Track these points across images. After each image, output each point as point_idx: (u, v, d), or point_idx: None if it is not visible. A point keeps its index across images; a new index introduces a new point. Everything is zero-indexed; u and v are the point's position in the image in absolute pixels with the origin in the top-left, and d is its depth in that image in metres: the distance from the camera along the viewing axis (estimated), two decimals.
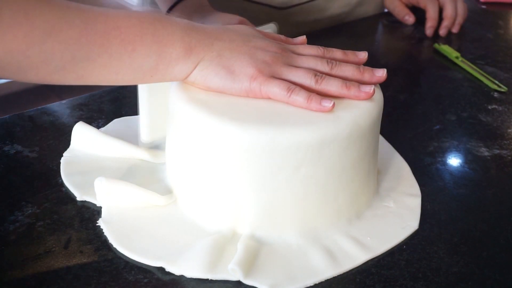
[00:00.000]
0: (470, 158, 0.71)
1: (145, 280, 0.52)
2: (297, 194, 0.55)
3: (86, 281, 0.51)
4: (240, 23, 0.78)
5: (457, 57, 0.96)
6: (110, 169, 0.64)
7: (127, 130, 0.69)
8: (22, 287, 0.51)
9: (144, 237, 0.55)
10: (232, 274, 0.51)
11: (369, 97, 0.57)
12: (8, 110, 1.89)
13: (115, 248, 0.55)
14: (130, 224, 0.57)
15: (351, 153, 0.55)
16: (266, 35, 0.62)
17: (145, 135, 0.65)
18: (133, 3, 1.15)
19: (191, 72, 0.56)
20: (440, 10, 1.08)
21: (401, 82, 0.92)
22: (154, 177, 0.63)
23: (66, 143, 0.68)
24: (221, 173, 0.55)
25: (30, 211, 0.59)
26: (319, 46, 0.61)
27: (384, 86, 0.60)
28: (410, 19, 1.11)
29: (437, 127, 0.78)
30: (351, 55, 0.61)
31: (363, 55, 0.62)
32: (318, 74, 0.57)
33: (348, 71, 0.59)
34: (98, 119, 0.74)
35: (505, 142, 0.74)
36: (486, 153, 0.72)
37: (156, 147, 0.66)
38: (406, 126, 0.78)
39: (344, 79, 0.57)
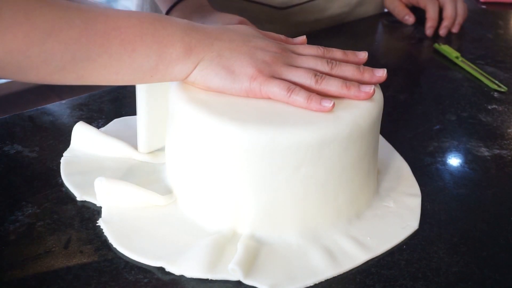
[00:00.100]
0: (470, 158, 0.71)
1: (145, 280, 0.52)
2: (297, 194, 0.55)
3: (86, 281, 0.51)
4: (240, 23, 0.78)
5: (457, 57, 0.96)
6: (110, 169, 0.64)
7: (127, 130, 0.69)
8: (22, 287, 0.51)
9: (144, 237, 0.55)
10: (232, 274, 0.51)
11: (369, 97, 0.57)
12: (8, 110, 1.89)
13: (115, 248, 0.55)
14: (130, 224, 0.57)
15: (351, 153, 0.55)
16: (266, 35, 0.62)
17: (142, 146, 0.64)
18: (133, 3, 1.14)
19: (191, 72, 0.56)
20: (440, 10, 1.08)
21: (401, 82, 0.92)
22: (154, 177, 0.63)
23: (66, 143, 0.68)
24: (221, 173, 0.55)
25: (30, 211, 0.59)
26: (319, 46, 0.61)
27: (384, 86, 0.60)
28: (410, 19, 1.11)
29: (437, 127, 0.78)
30: (351, 55, 0.61)
31: (363, 55, 0.62)
32: (318, 74, 0.57)
33: (348, 71, 0.59)
34: (98, 119, 0.74)
35: (505, 142, 0.74)
36: (486, 153, 0.72)
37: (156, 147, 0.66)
38: (406, 126, 0.78)
39: (344, 79, 0.57)
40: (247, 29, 0.61)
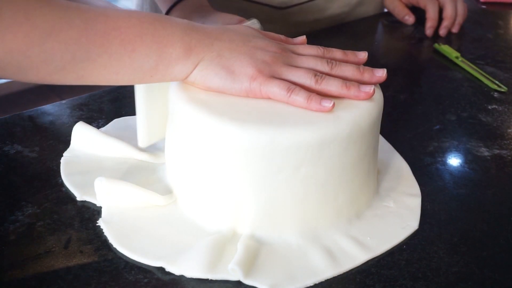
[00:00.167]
0: (470, 158, 0.71)
1: (145, 280, 0.52)
2: (297, 194, 0.55)
3: (86, 281, 0.51)
4: (240, 23, 0.78)
5: (457, 57, 0.96)
6: (110, 169, 0.64)
7: (127, 130, 0.69)
8: (22, 287, 0.51)
9: (144, 237, 0.55)
10: (232, 274, 0.51)
11: (369, 97, 0.57)
12: (8, 110, 1.89)
13: (115, 248, 0.55)
14: (130, 224, 0.57)
15: (351, 153, 0.55)
16: (266, 35, 0.62)
17: (142, 140, 0.64)
18: (133, 3, 1.14)
19: (191, 72, 0.56)
20: (440, 10, 1.08)
21: (401, 82, 0.92)
22: (154, 177, 0.63)
23: (66, 143, 0.68)
24: (221, 173, 0.55)
25: (30, 211, 0.59)
26: (319, 46, 0.61)
27: (384, 86, 0.60)
28: (410, 19, 1.11)
29: (437, 127, 0.78)
30: (351, 55, 0.61)
31: (363, 55, 0.62)
32: (318, 74, 0.57)
33: (348, 71, 0.59)
34: (98, 119, 0.74)
35: (505, 142, 0.74)
36: (486, 153, 0.72)
37: (156, 147, 0.66)
38: (406, 126, 0.78)
39: (344, 79, 0.57)
40: (247, 29, 0.61)
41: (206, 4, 0.86)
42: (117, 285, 0.51)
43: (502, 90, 0.87)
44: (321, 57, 0.60)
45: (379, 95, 0.59)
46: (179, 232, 0.56)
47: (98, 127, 0.71)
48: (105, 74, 0.53)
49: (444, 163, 0.70)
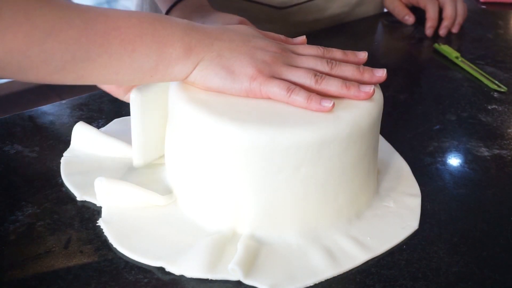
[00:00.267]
0: (470, 158, 0.71)
1: (145, 280, 0.52)
2: (297, 194, 0.55)
3: (86, 281, 0.51)
4: (240, 23, 0.78)
5: (457, 57, 0.96)
6: (110, 169, 0.64)
7: (127, 130, 0.69)
8: (22, 287, 0.51)
9: (144, 237, 0.55)
10: (232, 274, 0.51)
11: (369, 97, 0.57)
12: (8, 110, 1.89)
13: (115, 248, 0.55)
14: (130, 224, 0.57)
15: (351, 153, 0.55)
16: (266, 35, 0.62)
17: (137, 159, 0.63)
18: (133, 3, 1.14)
19: (191, 72, 0.56)
20: (440, 10, 1.08)
21: (401, 82, 0.92)
22: (154, 177, 0.63)
23: (66, 143, 0.68)
24: (221, 173, 0.55)
25: (30, 211, 0.59)
26: (319, 46, 0.61)
27: (384, 86, 0.60)
28: (410, 19, 1.11)
29: (437, 127, 0.78)
30: (351, 55, 0.61)
31: (363, 55, 0.62)
32: (318, 74, 0.57)
33: (348, 71, 0.59)
34: (98, 119, 0.74)
35: (505, 142, 0.74)
36: (486, 153, 0.72)
37: None
38: (406, 126, 0.78)
39: (344, 79, 0.57)
40: (247, 29, 0.61)
41: (206, 4, 0.86)
42: (117, 285, 0.51)
43: (502, 90, 0.87)
44: (321, 57, 0.60)
45: (379, 95, 0.59)
46: (179, 232, 0.56)
47: (98, 127, 0.71)
48: (105, 74, 0.53)
49: (444, 163, 0.70)
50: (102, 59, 0.52)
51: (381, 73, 0.59)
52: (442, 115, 0.81)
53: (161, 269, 0.53)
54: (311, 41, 0.64)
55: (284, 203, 0.55)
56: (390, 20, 1.14)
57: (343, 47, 0.63)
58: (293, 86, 0.55)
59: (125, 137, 0.66)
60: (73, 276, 0.52)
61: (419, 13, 1.10)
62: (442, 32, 1.06)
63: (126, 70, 0.53)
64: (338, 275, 0.53)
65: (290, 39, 0.64)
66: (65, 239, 0.55)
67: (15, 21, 0.46)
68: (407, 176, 0.66)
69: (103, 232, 0.56)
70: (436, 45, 1.02)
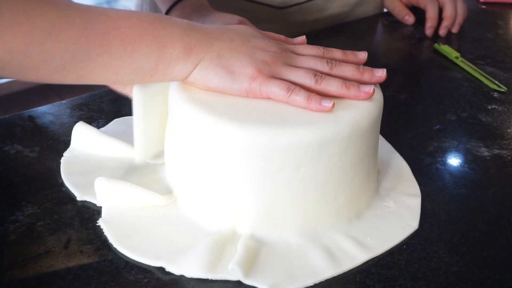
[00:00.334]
0: (470, 158, 0.71)
1: (145, 280, 0.52)
2: (297, 194, 0.55)
3: (86, 281, 0.51)
4: (240, 23, 0.78)
5: (457, 57, 0.96)
6: (110, 169, 0.64)
7: (127, 130, 0.69)
8: (22, 287, 0.51)
9: (144, 237, 0.55)
10: (232, 274, 0.51)
11: (369, 97, 0.57)
12: (8, 110, 1.89)
13: (115, 248, 0.55)
14: (130, 224, 0.57)
15: (351, 153, 0.55)
16: (266, 35, 0.62)
17: (140, 154, 0.63)
18: (133, 3, 1.14)
19: (191, 72, 0.56)
20: (440, 10, 1.08)
21: (401, 82, 0.92)
22: (154, 177, 0.63)
23: (66, 143, 0.68)
24: (221, 173, 0.55)
25: (30, 211, 0.59)
26: (319, 46, 0.61)
27: (384, 86, 0.60)
28: (410, 19, 1.11)
29: (437, 127, 0.78)
30: (351, 55, 0.61)
31: (363, 55, 0.62)
32: (318, 74, 0.57)
33: (348, 71, 0.59)
34: (98, 119, 0.74)
35: (505, 142, 0.74)
36: (486, 153, 0.72)
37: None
38: (406, 126, 0.78)
39: (344, 79, 0.57)
40: (247, 29, 0.61)
41: (206, 4, 0.86)
42: (117, 285, 0.51)
43: (502, 90, 0.87)
44: (321, 57, 0.60)
45: (379, 95, 0.59)
46: (179, 232, 0.56)
47: (98, 127, 0.71)
48: (105, 74, 0.53)
49: (444, 163, 0.70)
50: (102, 59, 0.52)
51: (381, 73, 0.59)
52: (442, 115, 0.81)
53: (161, 269, 0.53)
54: (311, 41, 0.64)
55: (284, 203, 0.55)
56: (390, 20, 1.14)
57: (343, 47, 0.63)
58: (293, 86, 0.55)
59: (125, 137, 0.66)
60: (73, 276, 0.52)
61: (419, 13, 1.10)
62: (442, 32, 1.06)
63: (126, 70, 0.53)
64: (338, 275, 0.53)
65: (290, 39, 0.64)
66: (65, 239, 0.55)
67: (15, 21, 0.46)
68: (407, 176, 0.66)
69: (103, 232, 0.56)
70: (436, 45, 1.02)
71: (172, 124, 0.59)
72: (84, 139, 0.66)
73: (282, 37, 0.64)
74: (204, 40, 0.56)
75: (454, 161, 0.71)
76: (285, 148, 0.52)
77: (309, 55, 0.60)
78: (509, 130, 0.77)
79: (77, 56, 0.50)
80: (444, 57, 0.98)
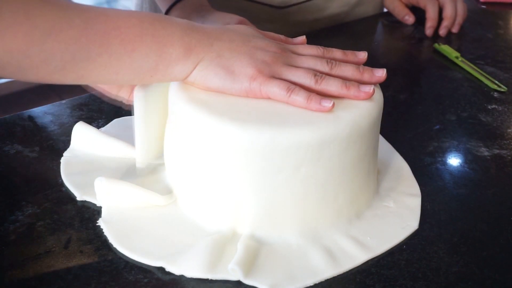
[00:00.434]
0: (470, 158, 0.71)
1: (145, 280, 0.52)
2: (297, 194, 0.55)
3: (86, 281, 0.51)
4: (240, 23, 0.78)
5: (457, 57, 0.96)
6: (110, 169, 0.64)
7: (127, 130, 0.69)
8: (22, 287, 0.51)
9: (144, 237, 0.55)
10: (232, 274, 0.51)
11: (369, 97, 0.57)
12: (8, 110, 1.89)
13: (115, 248, 0.55)
14: (130, 224, 0.57)
15: (351, 153, 0.55)
16: (265, 35, 0.62)
17: (141, 154, 0.62)
18: (133, 3, 1.14)
19: (191, 72, 0.56)
20: (440, 10, 1.08)
21: (401, 82, 0.92)
22: (154, 177, 0.63)
23: (66, 143, 0.68)
24: (221, 173, 0.55)
25: (30, 211, 0.59)
26: (319, 46, 0.61)
27: (384, 86, 0.60)
28: (410, 19, 1.11)
29: (437, 127, 0.78)
30: (350, 55, 0.61)
31: (363, 55, 0.62)
32: (318, 74, 0.57)
33: (348, 71, 0.59)
34: (98, 119, 0.74)
35: (505, 142, 0.74)
36: (486, 153, 0.72)
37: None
38: (406, 126, 0.78)
39: (344, 79, 0.57)
40: (247, 29, 0.61)
41: (206, 4, 0.86)
42: (117, 285, 0.51)
43: (502, 90, 0.87)
44: (321, 57, 0.60)
45: (379, 95, 0.59)
46: (179, 232, 0.56)
47: (98, 127, 0.71)
48: (105, 74, 0.53)
49: (444, 163, 0.70)
50: (102, 59, 0.52)
51: (381, 73, 0.59)
52: (442, 115, 0.81)
53: (161, 269, 0.53)
54: (311, 41, 0.64)
55: (284, 203, 0.55)
56: (390, 20, 1.14)
57: (343, 47, 0.63)
58: (293, 86, 0.55)
59: (125, 137, 0.66)
60: (73, 276, 0.52)
61: (419, 13, 1.10)
62: (442, 32, 1.06)
63: (126, 70, 0.53)
64: (338, 275, 0.53)
65: (290, 39, 0.64)
66: (65, 239, 0.55)
67: (15, 20, 0.46)
68: (407, 176, 0.66)
69: (103, 232, 0.56)
70: (436, 45, 1.02)
71: (172, 124, 0.59)
72: (84, 139, 0.66)
73: (282, 37, 0.64)
74: (204, 40, 0.56)
75: (454, 161, 0.71)
76: (285, 148, 0.52)
77: (309, 55, 0.60)
78: (509, 130, 0.77)
79: (77, 56, 0.50)
80: (444, 57, 0.98)
